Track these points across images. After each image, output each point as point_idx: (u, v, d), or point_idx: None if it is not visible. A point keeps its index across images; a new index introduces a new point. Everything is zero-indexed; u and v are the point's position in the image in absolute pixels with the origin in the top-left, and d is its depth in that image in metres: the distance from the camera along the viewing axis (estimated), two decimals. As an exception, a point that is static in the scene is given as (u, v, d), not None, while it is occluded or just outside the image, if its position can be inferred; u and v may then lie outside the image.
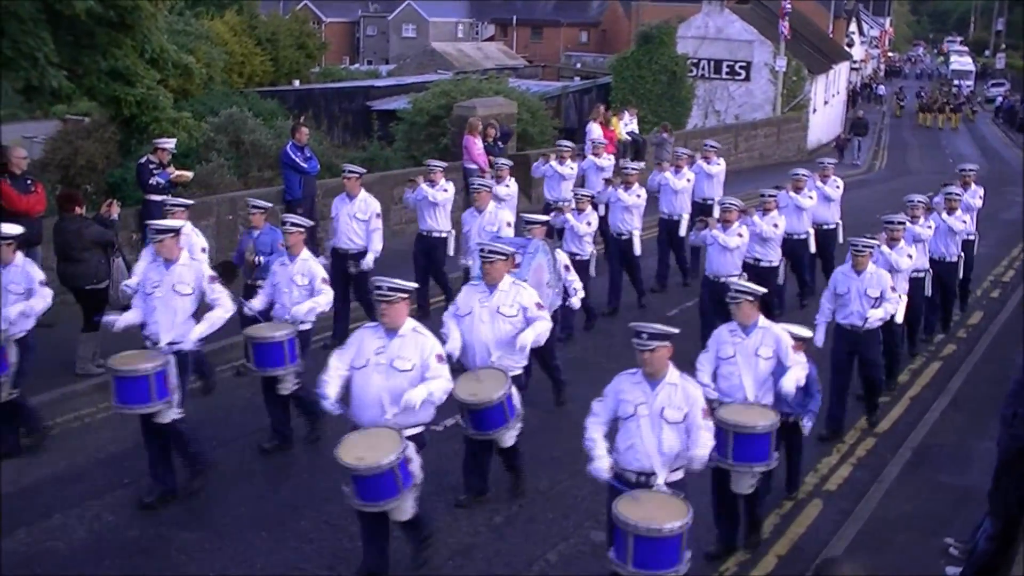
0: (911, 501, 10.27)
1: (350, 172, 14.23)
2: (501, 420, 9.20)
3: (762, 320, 9.18)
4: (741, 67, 39.47)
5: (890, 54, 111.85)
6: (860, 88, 68.72)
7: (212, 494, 9.89)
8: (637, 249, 15.96)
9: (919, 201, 14.47)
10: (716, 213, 15.72)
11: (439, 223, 15.22)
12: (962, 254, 15.61)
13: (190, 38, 32.94)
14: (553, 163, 18.40)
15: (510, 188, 16.20)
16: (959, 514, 9.86)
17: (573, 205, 15.16)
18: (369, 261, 13.85)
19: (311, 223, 11.57)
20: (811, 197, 16.31)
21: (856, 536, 9.41)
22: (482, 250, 9.87)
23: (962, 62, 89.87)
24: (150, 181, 15.04)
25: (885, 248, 12.79)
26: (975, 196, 16.85)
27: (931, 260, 14.82)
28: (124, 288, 11.03)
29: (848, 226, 17.29)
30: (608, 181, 17.12)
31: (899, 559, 9.10)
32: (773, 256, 14.84)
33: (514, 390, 9.34)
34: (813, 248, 16.63)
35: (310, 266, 11.12)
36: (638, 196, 15.96)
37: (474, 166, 21.01)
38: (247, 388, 12.17)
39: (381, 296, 8.24)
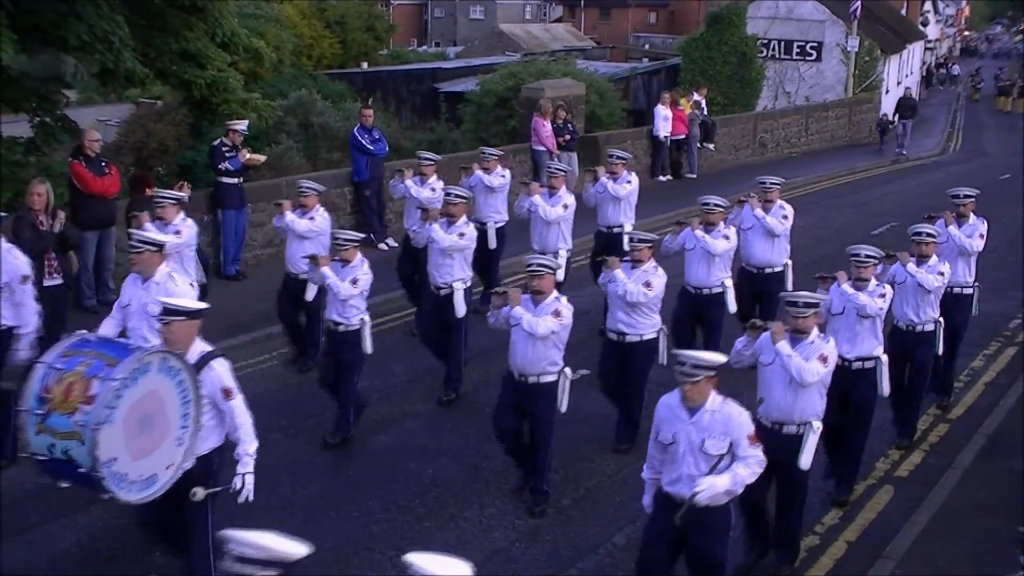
0: (985, 488, 10.10)
1: None
2: None
3: None
4: (812, 47, 38.93)
5: (966, 33, 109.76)
6: (935, 68, 67.49)
7: (283, 474, 10.01)
8: (459, 309, 11.56)
9: (868, 256, 9.65)
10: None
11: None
12: (940, 320, 10.83)
13: (260, 21, 33.21)
14: (409, 182, 13.62)
15: (315, 222, 12.06)
16: (1035, 502, 9.69)
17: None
18: (24, 350, 9.44)
19: None
20: (727, 237, 11.77)
21: (928, 523, 9.29)
22: None
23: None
24: (220, 166, 15.26)
25: (782, 346, 8.14)
26: (973, 233, 11.85)
27: (895, 331, 10.72)
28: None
29: (919, 212, 16.47)
30: (425, 213, 12.13)
31: (973, 547, 8.96)
32: (645, 327, 10.38)
33: None
34: (732, 306, 12.05)
35: None
36: (461, 236, 11.53)
37: (543, 148, 21.04)
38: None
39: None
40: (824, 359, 8.14)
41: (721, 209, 11.86)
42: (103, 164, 13.72)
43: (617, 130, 26.53)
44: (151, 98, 28.56)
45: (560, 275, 12.26)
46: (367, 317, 10.50)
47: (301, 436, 10.83)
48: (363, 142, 17.52)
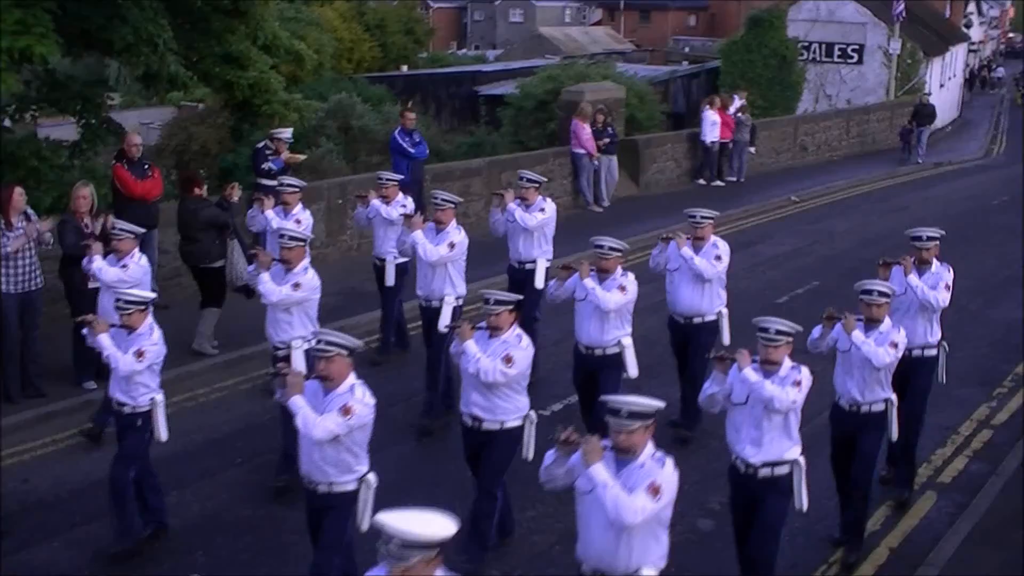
0: (1031, 496, 9.98)
1: None
2: None
3: None
4: (853, 50, 38.64)
5: (1010, 35, 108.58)
6: (978, 70, 66.80)
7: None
8: (298, 365, 9.13)
9: (779, 332, 7.38)
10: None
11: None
12: (893, 400, 8.67)
13: (300, 24, 33.45)
14: (269, 212, 11.89)
15: (128, 270, 10.02)
16: (1081, 510, 9.56)
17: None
18: None
19: None
20: (623, 288, 9.63)
21: (971, 531, 9.18)
22: None
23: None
24: (263, 166, 15.37)
25: (596, 471, 5.90)
26: (938, 284, 9.60)
27: (836, 410, 8.79)
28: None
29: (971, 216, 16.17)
30: (253, 259, 10.00)
31: (1017, 555, 8.84)
32: (507, 412, 8.13)
33: None
34: (633, 370, 9.93)
35: None
36: (295, 287, 9.41)
37: (582, 151, 21.03)
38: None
39: None
40: (655, 490, 5.80)
41: (617, 254, 9.75)
42: (146, 167, 13.83)
43: (657, 133, 26.46)
44: (193, 101, 28.87)
45: (443, 327, 10.43)
46: (159, 397, 8.43)
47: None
48: (404, 145, 17.54)
